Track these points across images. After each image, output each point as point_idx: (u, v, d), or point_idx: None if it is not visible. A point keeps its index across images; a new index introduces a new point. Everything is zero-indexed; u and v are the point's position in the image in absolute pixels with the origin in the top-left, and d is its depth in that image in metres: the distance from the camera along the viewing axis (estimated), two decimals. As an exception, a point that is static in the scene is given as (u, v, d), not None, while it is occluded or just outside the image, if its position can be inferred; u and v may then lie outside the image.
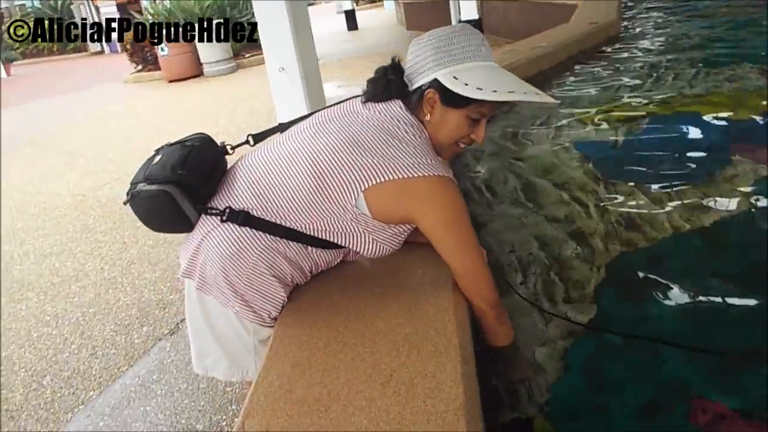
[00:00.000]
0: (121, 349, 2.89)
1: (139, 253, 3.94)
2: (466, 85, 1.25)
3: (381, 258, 1.46)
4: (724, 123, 3.05)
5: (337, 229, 1.34)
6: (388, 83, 1.37)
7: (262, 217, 1.32)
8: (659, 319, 1.69)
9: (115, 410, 2.46)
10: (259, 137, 1.59)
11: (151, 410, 2.43)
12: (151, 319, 3.11)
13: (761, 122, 2.99)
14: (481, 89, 1.24)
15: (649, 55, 5.04)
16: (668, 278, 1.85)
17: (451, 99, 1.29)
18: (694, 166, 2.62)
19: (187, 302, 1.47)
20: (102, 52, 24.44)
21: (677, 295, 1.79)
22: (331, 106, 1.50)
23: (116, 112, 9.59)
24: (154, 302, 3.28)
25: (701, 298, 1.77)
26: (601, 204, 2.35)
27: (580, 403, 1.46)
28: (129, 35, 12.81)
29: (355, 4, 17.65)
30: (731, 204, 2.18)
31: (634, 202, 2.31)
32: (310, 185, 1.30)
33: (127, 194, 1.37)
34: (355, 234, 1.35)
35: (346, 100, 1.49)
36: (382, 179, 1.26)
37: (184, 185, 1.33)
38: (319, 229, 1.33)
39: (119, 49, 16.08)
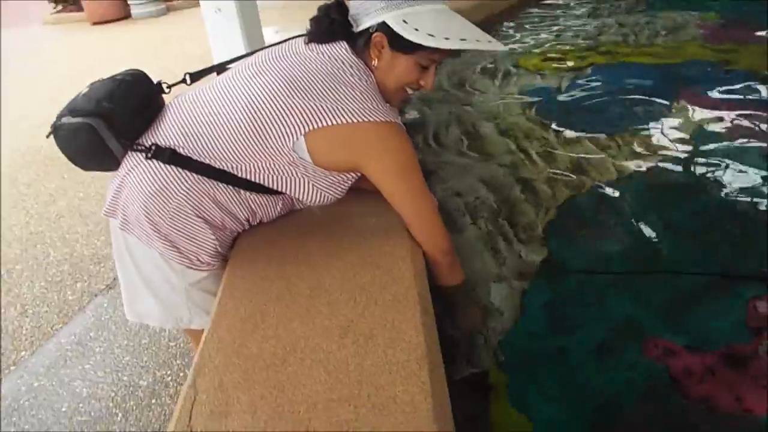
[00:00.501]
0: (54, 306, 2.73)
1: (68, 206, 3.70)
2: (417, 30, 1.20)
3: (329, 206, 1.41)
4: (666, 71, 3.10)
5: (272, 173, 1.27)
6: (331, 23, 1.28)
7: (189, 156, 1.25)
8: (607, 258, 1.73)
9: (50, 370, 2.34)
10: (196, 76, 1.50)
11: (90, 368, 2.32)
12: (85, 274, 2.95)
13: (701, 70, 3.06)
14: (432, 36, 1.19)
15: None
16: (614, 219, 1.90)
17: (400, 44, 1.23)
18: (639, 113, 2.65)
19: (113, 243, 1.42)
20: (15, -11, 22.44)
21: (623, 236, 1.84)
22: (271, 46, 1.41)
23: (35, 57, 8.87)
24: (87, 257, 3.10)
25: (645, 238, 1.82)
26: (548, 150, 2.36)
27: (537, 347, 1.48)
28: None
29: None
30: (674, 151, 2.24)
31: (581, 148, 2.33)
32: (245, 126, 1.24)
33: (51, 127, 1.30)
34: (292, 179, 1.29)
35: (288, 40, 1.41)
36: (325, 123, 1.20)
37: (109, 118, 1.26)
38: (253, 171, 1.26)
39: (35, -14, 14.78)
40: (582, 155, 2.28)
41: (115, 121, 1.26)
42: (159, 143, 1.28)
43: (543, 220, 1.91)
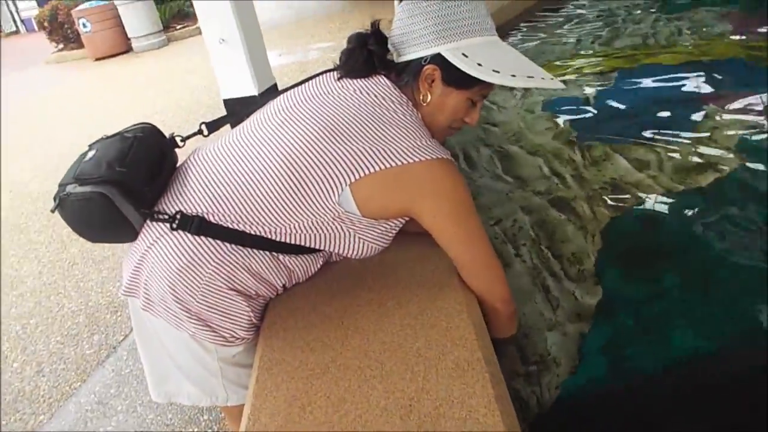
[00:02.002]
0: (71, 363, 2.61)
1: (80, 252, 3.60)
2: (480, 65, 1.09)
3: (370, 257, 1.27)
4: (693, 73, 2.95)
5: (316, 233, 1.13)
6: (369, 55, 1.16)
7: (219, 223, 1.10)
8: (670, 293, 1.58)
9: (72, 433, 2.21)
10: (213, 125, 1.36)
11: (112, 430, 2.19)
12: (102, 325, 2.82)
13: (728, 69, 2.92)
14: (498, 72, 1.09)
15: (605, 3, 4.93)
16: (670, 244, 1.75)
17: (456, 78, 1.13)
18: (674, 121, 2.51)
19: (134, 324, 1.28)
20: (17, 31, 22.71)
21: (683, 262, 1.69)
22: (298, 84, 1.27)
23: (41, 98, 8.86)
24: (103, 306, 2.98)
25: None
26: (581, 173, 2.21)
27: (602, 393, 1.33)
28: (44, 11, 11.85)
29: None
30: (720, 161, 2.09)
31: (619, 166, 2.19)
32: (281, 184, 1.09)
33: (55, 199, 1.13)
34: (338, 235, 1.15)
35: (316, 75, 1.26)
36: (372, 170, 1.07)
37: (124, 185, 1.09)
38: (294, 233, 1.12)
39: (36, 27, 14.89)
40: (621, 174, 2.13)
41: (131, 187, 1.10)
42: (184, 210, 1.12)
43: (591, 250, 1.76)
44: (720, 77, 2.86)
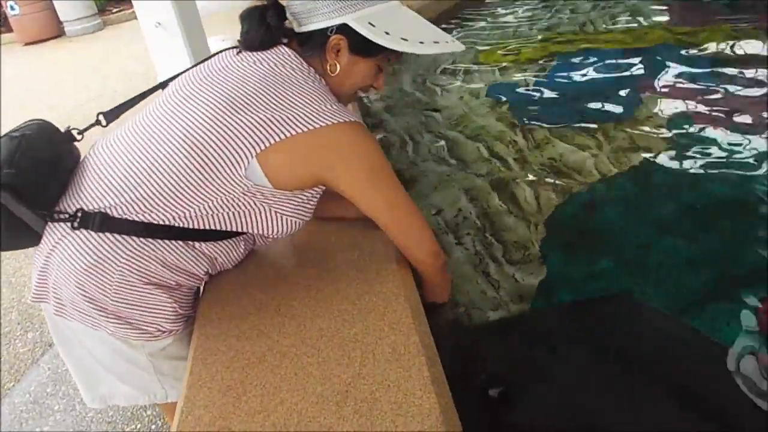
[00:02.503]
0: (4, 362, 2.49)
1: (12, 247, 3.43)
2: (387, 34, 1.07)
3: (305, 242, 1.26)
4: (631, 58, 3.04)
5: (228, 212, 1.09)
6: (267, 28, 1.12)
7: (124, 216, 1.05)
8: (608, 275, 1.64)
9: (6, 435, 2.12)
10: (111, 114, 1.27)
11: (49, 430, 2.11)
12: (37, 322, 2.71)
13: (667, 55, 3.02)
14: (406, 40, 1.07)
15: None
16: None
17: (363, 47, 1.11)
18: (610, 105, 2.58)
19: (51, 331, 1.22)
20: (-62, 13, 21.28)
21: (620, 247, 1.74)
22: (194, 66, 1.21)
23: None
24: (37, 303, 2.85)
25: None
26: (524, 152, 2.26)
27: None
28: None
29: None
30: (654, 143, 2.16)
31: (560, 149, 2.23)
32: (183, 165, 1.04)
33: None
34: (252, 212, 1.10)
35: (215, 54, 1.21)
36: (278, 138, 1.02)
37: (15, 188, 1.01)
38: (205, 216, 1.07)
39: (-41, 8, 13.99)
40: (561, 155, 2.18)
41: (22, 189, 1.02)
42: (85, 207, 1.06)
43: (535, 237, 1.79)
44: (653, 62, 2.96)
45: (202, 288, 1.24)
